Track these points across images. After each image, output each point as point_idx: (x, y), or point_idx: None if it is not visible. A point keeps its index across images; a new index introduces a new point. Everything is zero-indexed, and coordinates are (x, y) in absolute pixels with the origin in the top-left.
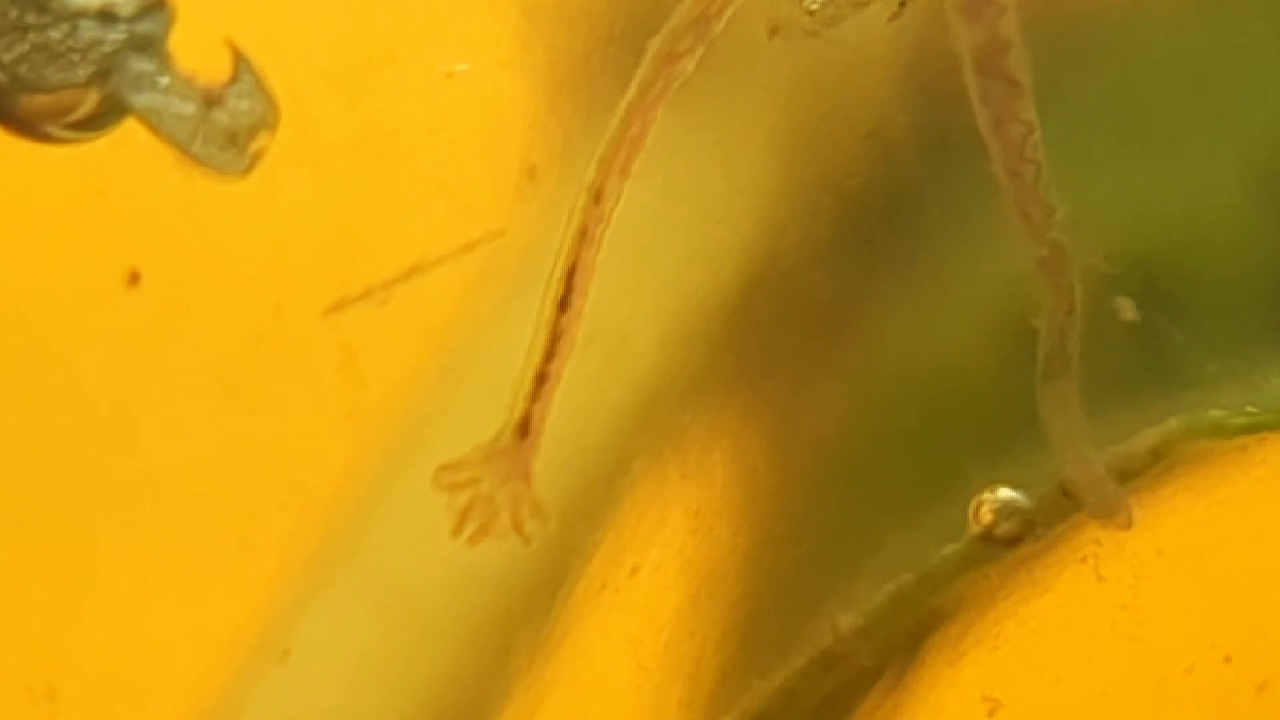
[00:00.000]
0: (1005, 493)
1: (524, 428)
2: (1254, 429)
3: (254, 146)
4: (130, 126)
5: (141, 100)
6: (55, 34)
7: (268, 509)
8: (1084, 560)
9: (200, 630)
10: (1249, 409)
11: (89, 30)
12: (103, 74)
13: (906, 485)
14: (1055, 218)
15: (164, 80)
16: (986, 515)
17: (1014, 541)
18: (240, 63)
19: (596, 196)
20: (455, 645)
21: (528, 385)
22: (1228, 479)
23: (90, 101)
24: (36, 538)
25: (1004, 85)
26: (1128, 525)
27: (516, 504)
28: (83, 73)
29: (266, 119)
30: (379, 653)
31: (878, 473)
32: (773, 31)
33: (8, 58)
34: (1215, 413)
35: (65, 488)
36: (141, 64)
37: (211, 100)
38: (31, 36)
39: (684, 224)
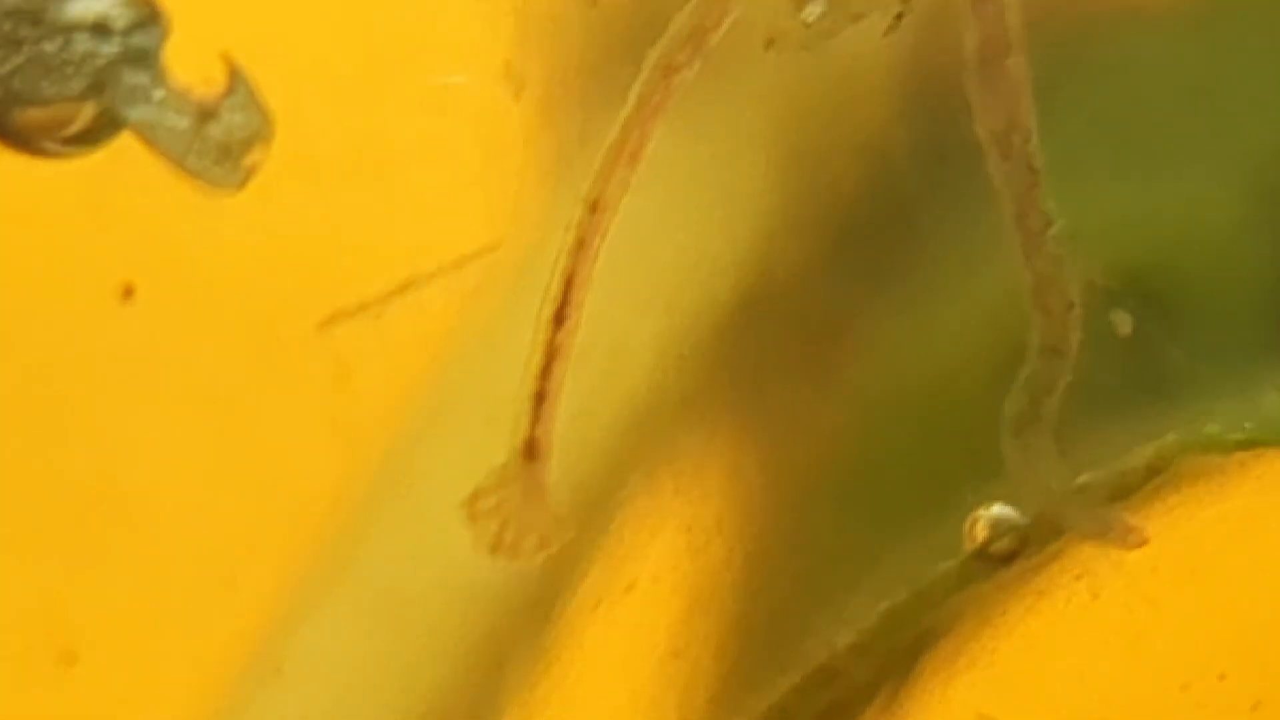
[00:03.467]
0: (1000, 510)
1: (531, 448)
2: (1250, 445)
3: (248, 160)
4: (125, 140)
5: (136, 114)
6: (49, 47)
7: (261, 524)
8: (1079, 578)
9: (192, 647)
10: (1246, 424)
11: (83, 43)
12: (97, 87)
13: (902, 502)
14: (1051, 231)
15: (158, 93)
16: (981, 532)
17: (1009, 559)
18: (235, 76)
19: (593, 208)
20: (449, 662)
21: (527, 405)
22: (1224, 495)
23: (85, 115)
24: (26, 556)
25: (1007, 86)
26: (1139, 542)
27: (540, 521)
28: (77, 86)
29: (261, 132)
30: (372, 670)
31: (873, 489)
32: (769, 43)
33: (2, 71)
34: (1212, 428)
35: (56, 504)
36: (136, 77)
37: (206, 114)
38: (25, 50)
39: (680, 236)
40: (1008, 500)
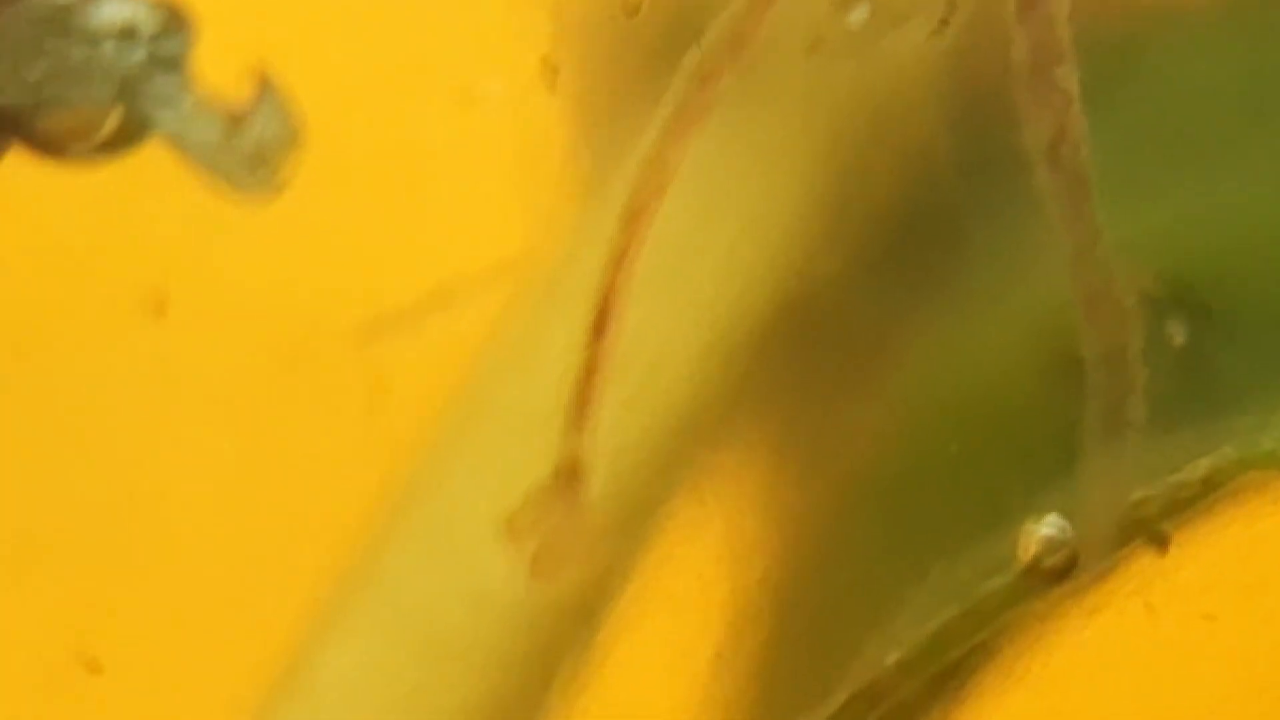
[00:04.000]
0: (1052, 524)
1: (570, 463)
2: None
3: (280, 168)
4: (154, 149)
5: (164, 120)
6: (76, 53)
7: (292, 538)
8: (1133, 593)
9: (220, 659)
10: None
11: (110, 50)
12: (125, 94)
13: (949, 516)
14: (1101, 242)
15: (187, 100)
16: (1033, 547)
17: (1062, 575)
18: (264, 82)
19: (631, 217)
20: (487, 679)
21: (567, 418)
22: None
23: (113, 122)
24: (54, 566)
25: (1056, 96)
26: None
27: (579, 539)
28: (105, 93)
29: (292, 139)
30: (407, 687)
31: (918, 503)
32: (811, 49)
33: (30, 78)
34: (1268, 443)
35: (85, 515)
36: (164, 84)
37: (235, 120)
38: (52, 56)
39: (718, 246)
40: (1061, 513)
